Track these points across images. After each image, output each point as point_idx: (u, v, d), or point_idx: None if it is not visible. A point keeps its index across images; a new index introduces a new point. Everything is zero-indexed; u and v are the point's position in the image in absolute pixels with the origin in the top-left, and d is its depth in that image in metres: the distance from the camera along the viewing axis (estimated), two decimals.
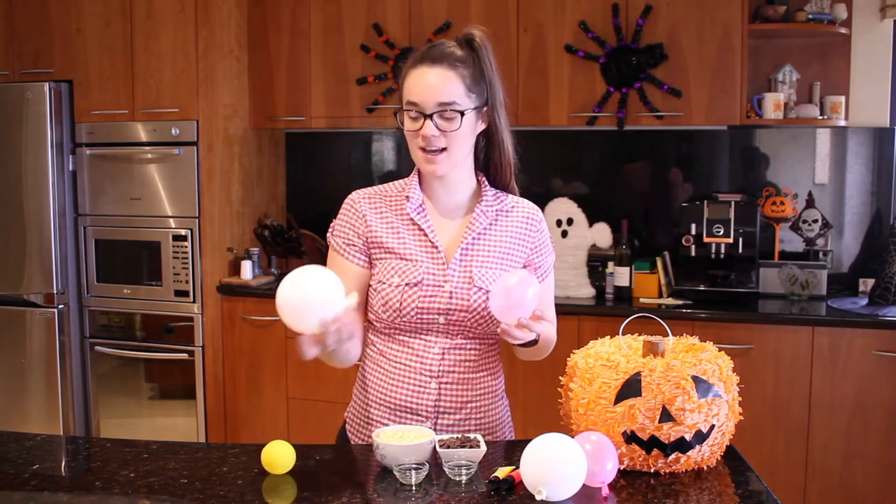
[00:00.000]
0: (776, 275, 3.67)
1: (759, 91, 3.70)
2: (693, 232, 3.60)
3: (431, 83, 1.70)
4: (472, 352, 1.80)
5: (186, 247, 3.93)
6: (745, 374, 1.79)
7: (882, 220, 3.74)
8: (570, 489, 1.41)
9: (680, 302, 3.56)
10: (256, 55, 4.17)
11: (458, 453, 1.54)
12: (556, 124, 3.79)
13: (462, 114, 1.71)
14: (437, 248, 1.78)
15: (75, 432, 4.11)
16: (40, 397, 4.09)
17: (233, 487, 1.50)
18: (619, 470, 1.51)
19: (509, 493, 1.46)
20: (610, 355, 1.57)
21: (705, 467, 1.56)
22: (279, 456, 1.54)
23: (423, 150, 1.73)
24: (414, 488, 1.48)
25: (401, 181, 1.87)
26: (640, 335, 1.71)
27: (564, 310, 3.50)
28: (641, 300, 3.63)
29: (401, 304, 1.75)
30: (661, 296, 3.67)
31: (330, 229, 1.87)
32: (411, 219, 1.80)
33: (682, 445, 1.50)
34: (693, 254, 3.62)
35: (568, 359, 1.67)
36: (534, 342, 1.71)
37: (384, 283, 1.77)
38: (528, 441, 1.46)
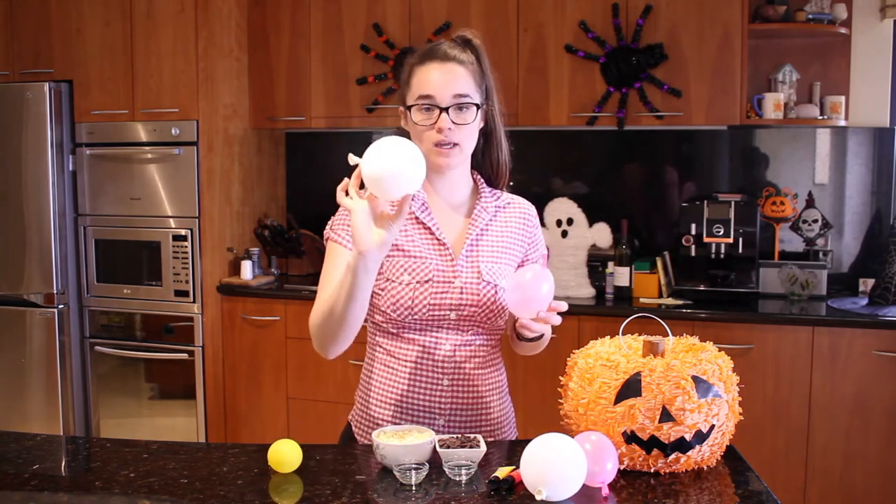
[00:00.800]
0: (776, 275, 3.67)
1: (759, 91, 3.70)
2: (693, 232, 3.60)
3: (447, 76, 1.73)
4: (482, 347, 1.82)
5: (186, 247, 3.93)
6: (745, 374, 1.79)
7: (882, 220, 3.74)
8: (570, 489, 1.41)
9: (680, 302, 3.56)
10: (256, 55, 4.17)
11: (458, 453, 1.54)
12: (556, 124, 3.79)
13: (478, 107, 1.76)
14: (444, 244, 1.79)
15: (75, 432, 4.11)
16: (40, 397, 4.09)
17: (233, 487, 1.50)
18: (619, 470, 1.51)
19: (509, 493, 1.46)
20: (610, 355, 1.57)
21: (705, 467, 1.56)
22: (287, 454, 1.54)
23: (437, 144, 1.74)
24: (414, 488, 1.48)
25: None
26: (640, 335, 1.71)
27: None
28: (641, 300, 3.63)
29: (412, 301, 1.75)
30: (661, 296, 3.67)
31: (329, 224, 1.82)
32: (416, 217, 1.80)
33: (682, 445, 1.50)
34: (693, 254, 3.62)
35: (568, 359, 1.67)
36: (540, 336, 1.74)
37: (394, 281, 1.76)
38: (528, 441, 1.46)
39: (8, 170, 4.04)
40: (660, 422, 1.48)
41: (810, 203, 3.76)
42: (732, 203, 3.58)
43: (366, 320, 1.85)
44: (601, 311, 3.57)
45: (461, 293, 1.76)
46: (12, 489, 1.50)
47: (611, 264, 3.71)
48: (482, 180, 1.88)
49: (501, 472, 1.50)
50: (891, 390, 3.20)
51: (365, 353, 1.90)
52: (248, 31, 4.16)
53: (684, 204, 3.71)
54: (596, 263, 3.75)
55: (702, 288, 3.62)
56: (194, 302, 3.95)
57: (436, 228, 1.80)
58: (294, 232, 4.22)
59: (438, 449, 1.56)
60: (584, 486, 1.44)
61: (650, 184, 4.00)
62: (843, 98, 3.64)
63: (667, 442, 1.49)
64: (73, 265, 4.10)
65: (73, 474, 1.63)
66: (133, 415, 4.14)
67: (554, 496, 1.40)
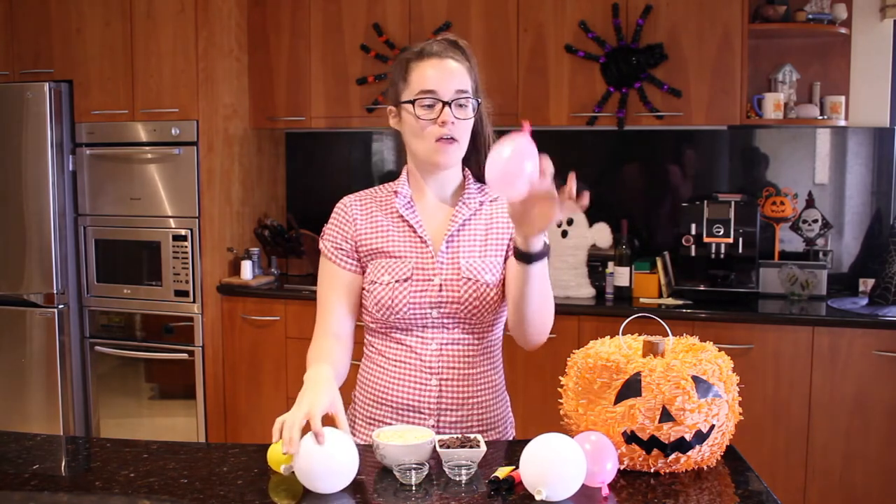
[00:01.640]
0: (776, 275, 3.67)
1: (759, 91, 3.70)
2: (693, 232, 3.60)
3: (448, 71, 1.74)
4: (471, 347, 1.81)
5: (186, 247, 3.93)
6: (745, 374, 1.79)
7: (882, 220, 3.74)
8: (569, 489, 1.41)
9: (680, 302, 3.56)
10: (256, 55, 4.17)
11: (457, 453, 1.54)
12: (556, 124, 3.79)
13: (479, 102, 1.77)
14: (425, 242, 1.80)
15: (75, 432, 4.11)
16: (40, 397, 4.09)
17: (233, 487, 1.50)
18: (618, 470, 1.51)
19: (509, 493, 1.46)
20: (610, 355, 1.57)
21: (705, 467, 1.56)
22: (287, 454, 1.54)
23: (439, 139, 1.74)
24: (414, 488, 1.48)
25: (390, 182, 1.90)
26: (640, 335, 1.70)
27: (564, 310, 3.50)
28: (641, 300, 3.63)
29: (392, 300, 1.76)
30: (661, 296, 3.67)
31: (321, 234, 1.89)
32: (400, 215, 1.82)
33: (682, 445, 1.50)
34: (693, 254, 3.62)
35: (568, 359, 1.67)
36: (544, 253, 1.61)
37: (375, 282, 1.79)
38: (528, 441, 1.46)
39: (8, 170, 4.04)
40: (660, 422, 1.48)
41: (810, 203, 3.76)
42: (732, 203, 3.58)
43: (360, 321, 1.87)
44: (601, 311, 3.57)
45: (440, 290, 1.77)
46: (12, 489, 1.50)
47: (611, 264, 3.71)
48: (471, 176, 1.87)
49: (501, 472, 1.50)
50: (891, 390, 3.20)
51: (362, 353, 1.90)
52: (248, 31, 4.16)
53: (684, 204, 3.71)
54: (596, 263, 3.75)
55: (702, 288, 3.61)
56: (194, 302, 3.95)
57: (418, 226, 1.81)
58: (294, 232, 4.22)
59: (438, 449, 1.56)
60: (583, 486, 1.43)
61: (650, 184, 4.00)
62: (843, 98, 3.64)
63: (667, 442, 1.49)
64: (73, 265, 4.10)
65: (73, 474, 1.63)
66: (133, 415, 4.14)
67: (553, 496, 1.40)
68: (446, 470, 1.52)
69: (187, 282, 3.94)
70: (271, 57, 4.14)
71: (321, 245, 1.87)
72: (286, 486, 1.51)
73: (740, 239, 3.55)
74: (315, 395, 1.55)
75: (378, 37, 3.95)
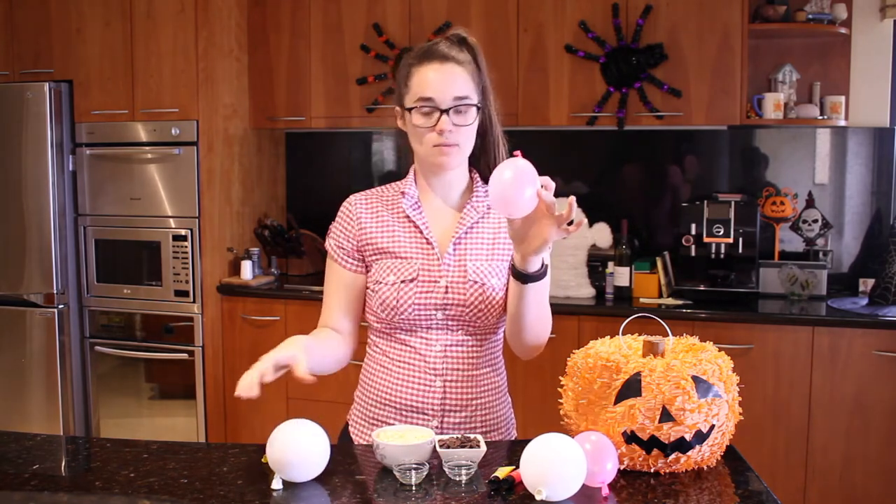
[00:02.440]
0: (776, 275, 3.67)
1: (759, 91, 3.70)
2: (693, 232, 3.60)
3: (446, 78, 1.73)
4: (475, 348, 1.81)
5: (186, 247, 3.93)
6: (745, 374, 1.78)
7: (882, 220, 3.74)
8: (569, 489, 1.41)
9: (680, 302, 3.56)
10: (256, 55, 4.17)
11: (458, 453, 1.54)
12: (556, 124, 3.79)
13: (478, 108, 1.76)
14: (431, 244, 1.79)
15: (75, 432, 4.11)
16: (40, 397, 4.09)
17: (233, 487, 1.50)
18: (619, 470, 1.51)
19: (509, 493, 1.46)
20: (610, 355, 1.57)
21: (705, 467, 1.56)
22: None
23: (437, 145, 1.74)
24: (414, 488, 1.48)
25: (398, 182, 1.89)
26: (640, 335, 1.70)
27: (564, 310, 3.50)
28: (641, 300, 3.63)
29: (397, 301, 1.76)
30: (661, 296, 3.67)
31: (328, 232, 1.89)
32: (407, 216, 1.81)
33: (682, 445, 1.50)
34: (693, 254, 3.62)
35: (568, 359, 1.67)
36: (541, 275, 1.66)
37: (380, 282, 1.78)
38: (528, 441, 1.46)
39: (8, 170, 4.04)
40: (660, 422, 1.48)
41: (810, 203, 3.76)
42: (732, 203, 3.58)
43: (365, 321, 1.87)
44: (601, 311, 3.57)
45: (446, 292, 1.76)
46: (12, 489, 1.50)
47: (611, 264, 3.71)
48: (479, 179, 1.87)
49: (501, 472, 1.50)
50: (891, 390, 3.20)
51: (365, 353, 1.90)
52: (248, 31, 4.16)
53: (684, 204, 3.71)
54: (596, 263, 3.74)
55: (702, 288, 3.61)
56: (194, 302, 3.95)
57: (425, 227, 1.80)
58: (294, 232, 4.22)
59: (438, 449, 1.56)
60: (583, 486, 1.43)
61: (650, 184, 4.00)
62: (843, 98, 3.63)
63: (667, 442, 1.49)
64: (73, 265, 4.10)
65: (73, 474, 1.63)
66: (133, 415, 4.14)
67: (554, 496, 1.40)
68: (446, 470, 1.52)
69: (187, 282, 3.94)
70: (271, 57, 4.14)
71: (326, 243, 1.89)
72: (286, 486, 1.51)
73: (740, 239, 3.55)
74: (276, 349, 1.62)
75: (378, 37, 3.95)
